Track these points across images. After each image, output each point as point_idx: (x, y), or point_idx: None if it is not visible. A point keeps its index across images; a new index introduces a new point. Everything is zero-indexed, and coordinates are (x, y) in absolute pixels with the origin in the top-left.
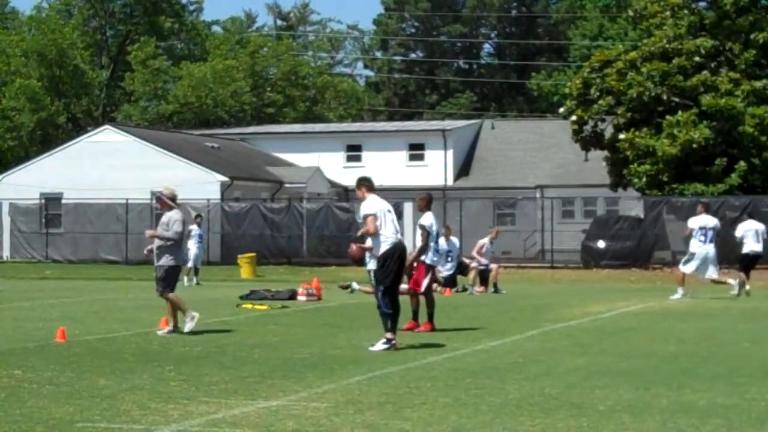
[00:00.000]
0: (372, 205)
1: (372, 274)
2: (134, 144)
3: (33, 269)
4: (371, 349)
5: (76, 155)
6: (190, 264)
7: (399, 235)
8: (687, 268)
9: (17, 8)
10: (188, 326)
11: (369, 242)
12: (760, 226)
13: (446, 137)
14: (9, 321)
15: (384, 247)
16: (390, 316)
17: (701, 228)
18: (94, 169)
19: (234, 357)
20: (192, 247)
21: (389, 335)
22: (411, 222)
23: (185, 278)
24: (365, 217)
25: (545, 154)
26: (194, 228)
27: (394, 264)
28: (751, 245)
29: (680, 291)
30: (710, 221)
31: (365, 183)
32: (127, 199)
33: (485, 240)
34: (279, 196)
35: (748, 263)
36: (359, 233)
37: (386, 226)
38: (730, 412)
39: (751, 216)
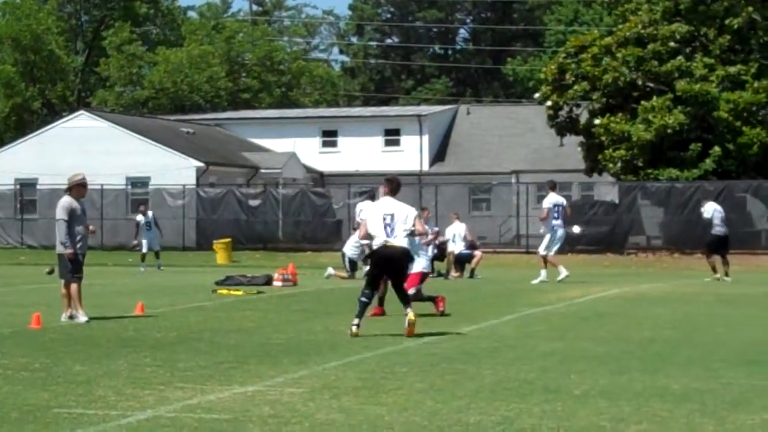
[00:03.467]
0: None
1: (346, 258)
2: (109, 130)
3: (8, 255)
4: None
5: (50, 141)
6: (144, 250)
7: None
8: (551, 251)
9: None
10: (64, 317)
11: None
12: (562, 200)
13: (422, 123)
14: None
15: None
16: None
17: (555, 206)
18: (69, 154)
19: (210, 342)
20: (143, 236)
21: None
22: None
23: (141, 266)
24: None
25: (520, 140)
26: (140, 218)
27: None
28: (721, 227)
29: (543, 274)
30: (561, 199)
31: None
32: (102, 185)
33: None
34: (254, 182)
35: (720, 245)
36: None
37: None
38: (704, 396)
39: (552, 188)
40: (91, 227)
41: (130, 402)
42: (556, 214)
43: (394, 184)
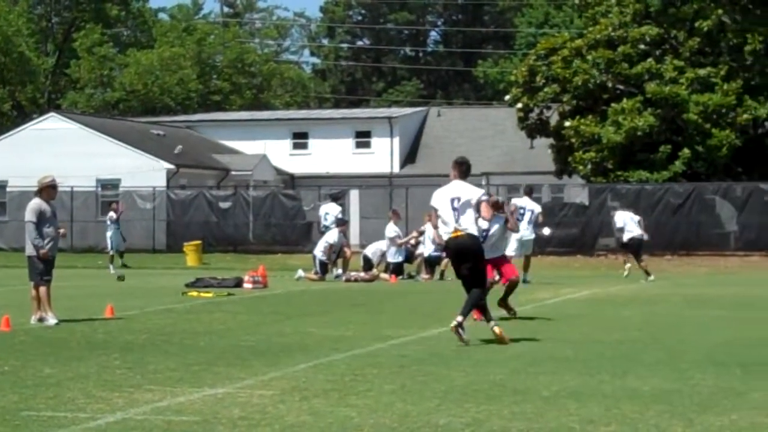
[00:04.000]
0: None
1: (317, 260)
2: (80, 132)
3: None
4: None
5: (20, 143)
6: (112, 250)
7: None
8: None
9: None
10: (33, 319)
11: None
12: (636, 216)
13: (393, 125)
14: None
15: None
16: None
17: (521, 209)
18: (39, 156)
19: (179, 345)
20: (112, 235)
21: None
22: (358, 209)
23: (111, 266)
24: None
25: (491, 142)
26: (112, 215)
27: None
28: (635, 230)
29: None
30: (534, 205)
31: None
32: (72, 187)
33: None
34: (225, 184)
35: (636, 247)
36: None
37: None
38: (673, 397)
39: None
40: (62, 230)
41: (100, 404)
42: (520, 217)
43: (464, 166)
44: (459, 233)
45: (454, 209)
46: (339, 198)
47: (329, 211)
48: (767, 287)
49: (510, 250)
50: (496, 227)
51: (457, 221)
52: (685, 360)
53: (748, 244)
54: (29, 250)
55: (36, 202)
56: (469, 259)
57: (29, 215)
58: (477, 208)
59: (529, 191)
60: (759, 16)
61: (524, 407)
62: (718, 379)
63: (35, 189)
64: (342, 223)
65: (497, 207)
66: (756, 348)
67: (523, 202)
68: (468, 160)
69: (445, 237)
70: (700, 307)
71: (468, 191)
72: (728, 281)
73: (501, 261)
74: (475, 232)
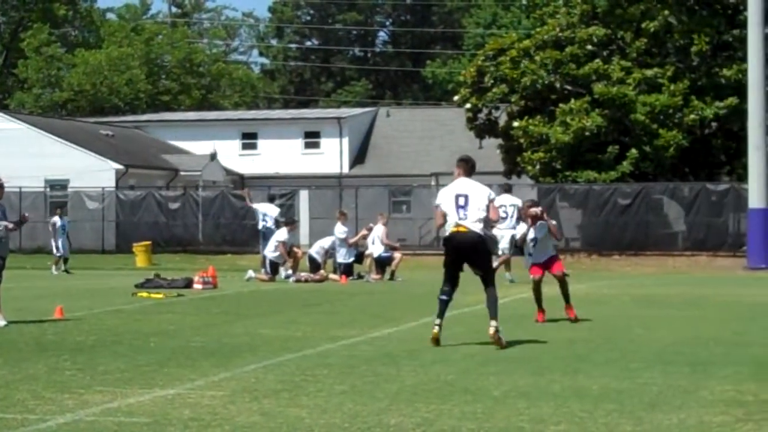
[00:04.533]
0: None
1: (267, 260)
2: (28, 132)
3: None
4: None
5: None
6: (58, 254)
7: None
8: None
9: None
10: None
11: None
12: (517, 201)
13: (342, 125)
14: None
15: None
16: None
17: (511, 206)
18: None
19: (130, 346)
20: (57, 238)
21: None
22: (307, 209)
23: (53, 267)
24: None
25: (440, 142)
26: (56, 219)
27: None
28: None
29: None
30: (516, 200)
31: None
32: (20, 188)
33: (380, 226)
34: (174, 184)
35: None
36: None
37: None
38: (622, 396)
39: (507, 191)
40: (9, 225)
41: (50, 406)
42: (504, 215)
43: (468, 164)
44: (461, 228)
45: (459, 206)
46: (274, 198)
47: (267, 211)
48: (715, 287)
49: (505, 248)
50: (541, 234)
51: (460, 217)
52: (634, 359)
53: (695, 244)
54: None
55: None
56: (469, 256)
57: None
58: (487, 208)
59: (508, 188)
60: (705, 17)
61: (474, 407)
62: (667, 377)
63: None
64: (291, 222)
65: (536, 218)
66: (704, 347)
67: (503, 200)
68: (472, 158)
69: (447, 232)
70: (649, 306)
71: (475, 189)
72: (676, 281)
73: (551, 261)
74: (479, 231)
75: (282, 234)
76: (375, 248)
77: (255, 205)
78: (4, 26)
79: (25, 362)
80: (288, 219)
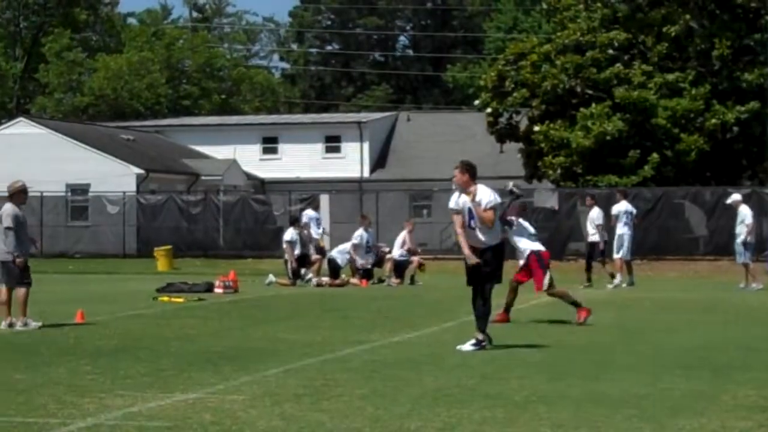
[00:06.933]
0: (494, 194)
1: (288, 265)
2: (49, 137)
3: None
4: (460, 348)
5: None
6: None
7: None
8: (624, 254)
9: None
10: (3, 324)
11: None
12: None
13: (362, 129)
14: None
15: (496, 241)
16: (489, 315)
17: (626, 213)
18: (7, 161)
19: (150, 350)
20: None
21: (481, 336)
22: (328, 214)
23: None
24: (488, 206)
25: (461, 146)
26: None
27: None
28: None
29: (619, 277)
30: (630, 207)
31: (471, 170)
32: (41, 192)
33: (404, 233)
34: (195, 189)
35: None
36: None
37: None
38: (643, 401)
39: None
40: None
41: (71, 410)
42: (625, 219)
43: (472, 170)
44: (475, 238)
45: (469, 217)
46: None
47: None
48: (736, 291)
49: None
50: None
51: (470, 226)
52: (655, 364)
53: (717, 249)
54: (4, 256)
55: (12, 208)
56: (480, 265)
57: (8, 221)
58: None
59: (626, 194)
60: (726, 21)
61: (495, 411)
62: (688, 382)
63: (7, 194)
64: (295, 221)
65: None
66: (726, 351)
67: (622, 206)
68: (473, 164)
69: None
70: (670, 311)
71: (478, 195)
72: (698, 285)
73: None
74: (484, 237)
75: (288, 234)
76: (394, 252)
77: (306, 218)
78: (25, 31)
79: (46, 366)
80: (292, 218)
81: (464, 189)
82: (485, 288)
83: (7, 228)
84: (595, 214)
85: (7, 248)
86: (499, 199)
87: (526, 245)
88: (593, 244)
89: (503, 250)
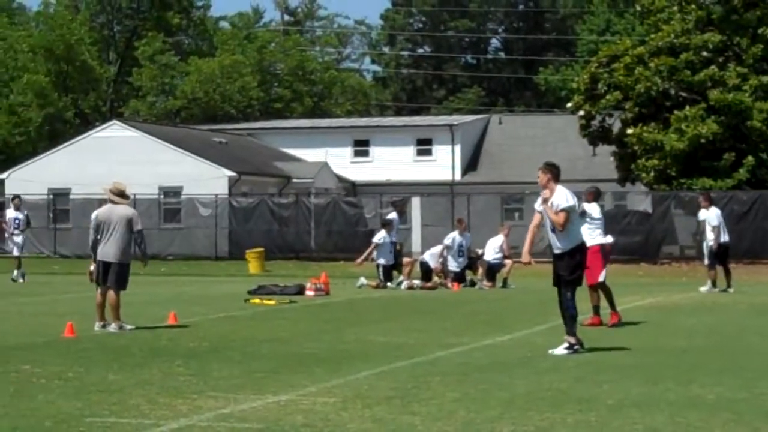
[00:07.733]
0: (569, 197)
1: (381, 269)
2: (142, 139)
3: (41, 264)
4: (553, 352)
5: (83, 150)
6: (16, 253)
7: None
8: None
9: (24, 4)
10: (97, 326)
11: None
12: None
13: (454, 132)
14: (17, 316)
15: (571, 245)
16: (576, 317)
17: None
18: (101, 164)
19: (242, 352)
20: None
21: (573, 339)
22: (419, 217)
23: (15, 271)
24: (559, 209)
25: (553, 149)
26: (14, 213)
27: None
28: (725, 234)
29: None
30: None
31: (553, 170)
32: (134, 195)
33: (501, 237)
34: (287, 191)
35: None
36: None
37: (578, 221)
38: (739, 406)
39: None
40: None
41: (164, 411)
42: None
43: (554, 171)
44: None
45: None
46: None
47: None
48: None
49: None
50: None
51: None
52: (750, 368)
53: None
54: (125, 258)
55: (134, 211)
56: (556, 268)
57: (141, 223)
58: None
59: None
60: None
61: (588, 415)
62: None
63: (123, 195)
64: (388, 223)
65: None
66: None
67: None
68: (557, 165)
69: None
70: (765, 315)
71: (553, 197)
72: None
73: None
74: (557, 241)
75: (378, 236)
76: (487, 255)
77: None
78: (118, 35)
79: (139, 367)
80: (383, 220)
81: (545, 189)
82: (561, 293)
83: (139, 231)
84: (713, 214)
85: (140, 251)
86: (573, 203)
87: (592, 239)
88: (726, 247)
89: (582, 253)
